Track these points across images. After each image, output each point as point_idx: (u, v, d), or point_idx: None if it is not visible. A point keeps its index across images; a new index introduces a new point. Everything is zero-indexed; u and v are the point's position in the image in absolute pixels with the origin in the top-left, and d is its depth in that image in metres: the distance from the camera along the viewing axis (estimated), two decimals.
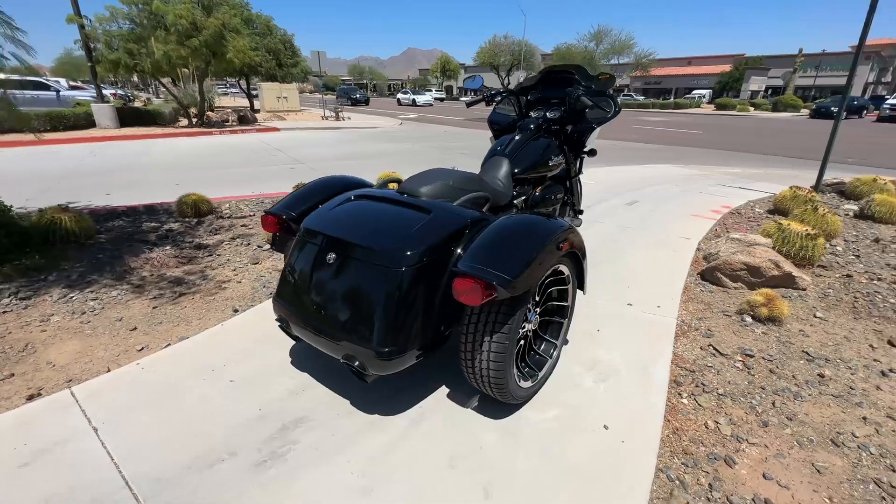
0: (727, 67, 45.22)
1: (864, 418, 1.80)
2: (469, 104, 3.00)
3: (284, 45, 21.79)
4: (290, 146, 9.67)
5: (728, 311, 2.62)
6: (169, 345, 2.17)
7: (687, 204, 4.89)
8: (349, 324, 1.52)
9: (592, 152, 2.79)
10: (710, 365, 2.13)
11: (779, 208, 4.62)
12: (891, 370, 2.10)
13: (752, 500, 1.43)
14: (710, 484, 1.48)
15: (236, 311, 2.50)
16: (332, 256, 1.61)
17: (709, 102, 38.78)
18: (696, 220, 4.27)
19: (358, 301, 1.53)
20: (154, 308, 2.51)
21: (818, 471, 1.55)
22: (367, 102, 27.26)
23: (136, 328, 2.32)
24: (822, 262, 3.34)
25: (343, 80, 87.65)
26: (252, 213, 4.30)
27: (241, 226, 3.92)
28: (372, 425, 1.64)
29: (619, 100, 2.66)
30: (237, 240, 3.56)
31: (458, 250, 1.57)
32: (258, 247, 3.42)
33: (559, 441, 1.58)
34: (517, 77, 44.32)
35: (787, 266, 2.85)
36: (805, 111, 29.48)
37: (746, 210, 4.80)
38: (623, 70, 40.53)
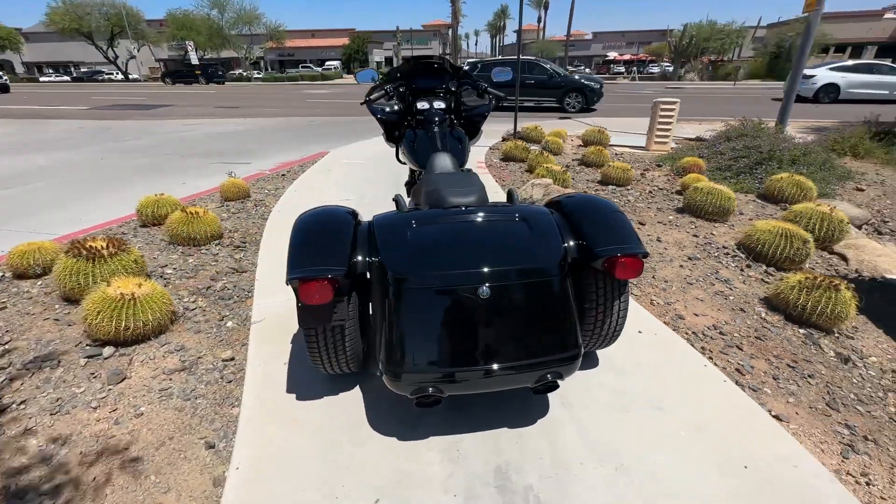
0: (346, 40, 50.85)
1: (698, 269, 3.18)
2: (368, 101, 2.72)
3: None
4: None
5: None
6: None
7: None
8: (539, 344, 1.50)
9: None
10: None
11: (507, 156, 6.30)
12: (659, 239, 3.66)
13: (711, 328, 2.43)
14: (693, 332, 2.40)
15: (212, 446, 1.65)
16: (484, 290, 1.46)
17: (348, 73, 42.87)
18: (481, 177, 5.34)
19: (536, 319, 1.51)
20: None
21: (702, 300, 2.74)
22: None
23: None
24: (571, 186, 5.01)
25: None
26: None
27: None
28: (555, 432, 1.69)
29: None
30: (30, 371, 2.03)
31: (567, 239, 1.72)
32: (89, 358, 2.09)
33: (650, 365, 2.12)
34: (126, 48, 35.54)
35: None
36: None
37: (491, 161, 6.29)
38: (259, 41, 39.07)
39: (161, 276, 2.88)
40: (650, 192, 4.91)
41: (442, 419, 1.73)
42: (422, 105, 2.83)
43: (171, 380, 1.98)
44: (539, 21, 63.74)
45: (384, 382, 1.51)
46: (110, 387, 1.93)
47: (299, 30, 54.88)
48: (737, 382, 2.00)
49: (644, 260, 1.65)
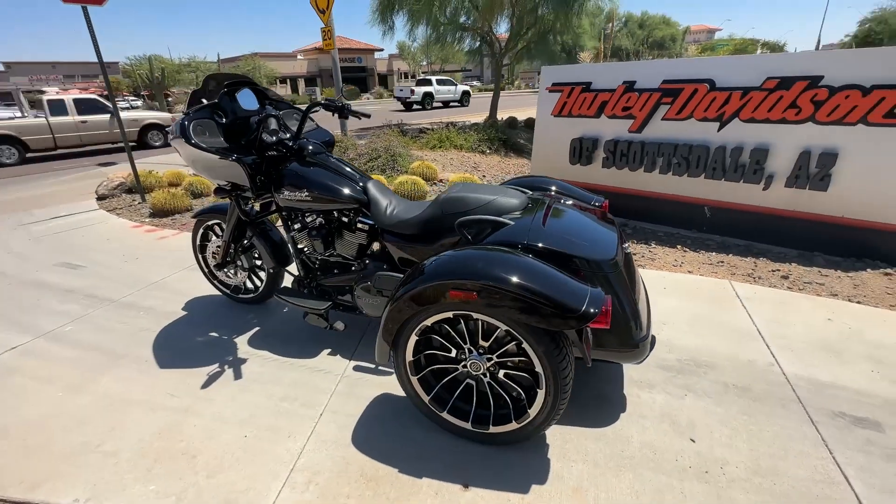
0: None
1: None
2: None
3: None
4: None
5: None
6: None
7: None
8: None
9: None
10: None
11: (163, 210, 4.86)
12: None
13: None
14: None
15: None
16: (627, 245, 1.85)
17: None
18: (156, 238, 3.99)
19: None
20: None
21: None
22: None
23: None
24: None
25: None
26: None
27: None
28: None
29: None
30: None
31: None
32: None
33: None
34: None
35: None
36: None
37: (142, 221, 4.64)
38: None
39: None
40: None
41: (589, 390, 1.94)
42: (269, 138, 2.18)
43: None
44: None
45: (633, 362, 1.62)
46: None
47: None
48: None
49: None
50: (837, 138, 3.29)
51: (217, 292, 2.84)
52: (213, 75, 2.22)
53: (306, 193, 2.06)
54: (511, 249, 1.52)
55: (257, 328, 2.51)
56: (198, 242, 2.72)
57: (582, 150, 4.62)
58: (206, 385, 2.03)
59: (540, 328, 1.37)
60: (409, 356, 1.61)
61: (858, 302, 2.64)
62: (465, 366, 1.59)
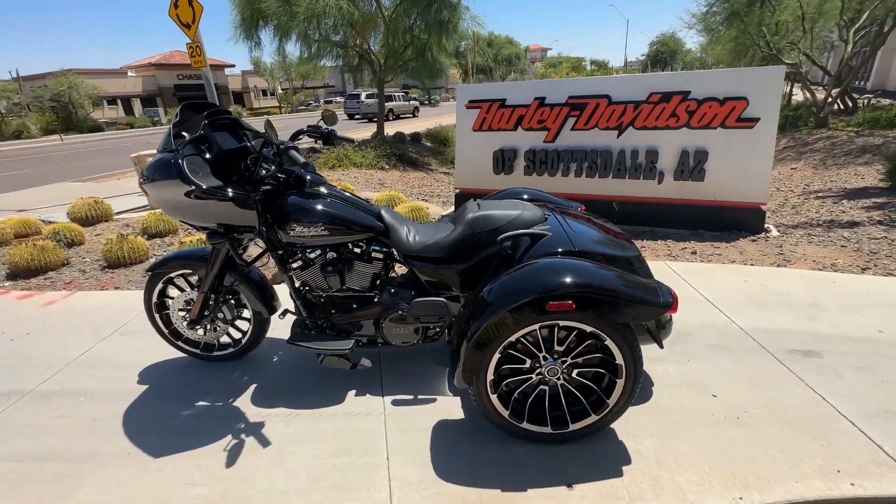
0: None
1: None
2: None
3: None
4: None
5: None
6: None
7: None
8: None
9: None
10: None
11: (24, 268, 3.86)
12: None
13: None
14: None
15: None
16: None
17: None
18: None
19: None
20: None
21: None
22: None
23: None
24: None
25: None
26: None
27: None
28: None
29: None
30: None
31: None
32: None
33: None
34: None
35: None
36: None
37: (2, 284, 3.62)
38: None
39: None
40: None
41: None
42: (266, 171, 2.02)
43: None
44: None
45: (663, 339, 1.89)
46: None
47: None
48: None
49: None
50: (706, 139, 4.18)
51: (180, 355, 2.41)
52: (189, 104, 1.91)
53: (322, 227, 1.91)
54: (580, 258, 1.65)
55: (254, 385, 2.21)
56: (154, 300, 2.26)
57: (504, 161, 5.00)
58: (231, 463, 1.73)
59: (620, 323, 1.53)
60: (489, 375, 1.63)
61: (752, 264, 3.40)
62: (539, 373, 1.67)
